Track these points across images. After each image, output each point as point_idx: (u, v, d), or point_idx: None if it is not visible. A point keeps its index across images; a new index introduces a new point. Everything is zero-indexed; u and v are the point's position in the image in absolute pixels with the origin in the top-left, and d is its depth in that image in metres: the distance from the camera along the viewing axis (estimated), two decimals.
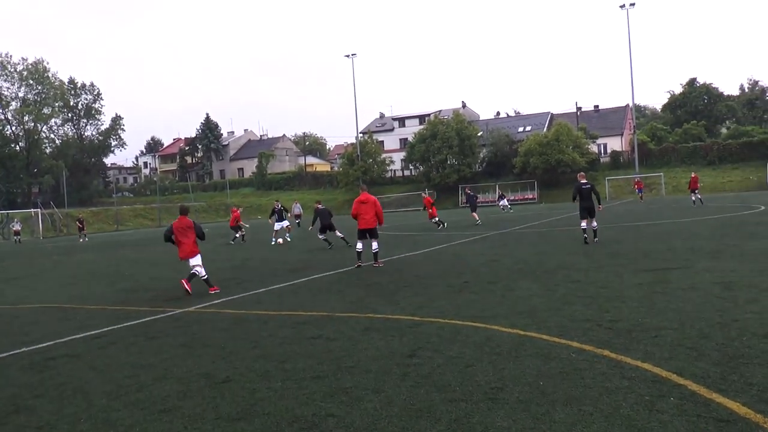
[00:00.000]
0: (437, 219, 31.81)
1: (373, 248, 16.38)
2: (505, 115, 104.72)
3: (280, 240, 27.83)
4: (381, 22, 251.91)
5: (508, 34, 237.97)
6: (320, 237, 23.50)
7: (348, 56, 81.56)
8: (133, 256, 26.83)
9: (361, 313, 9.86)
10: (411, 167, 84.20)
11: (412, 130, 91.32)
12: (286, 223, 28.66)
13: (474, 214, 34.26)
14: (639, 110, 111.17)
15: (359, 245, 16.38)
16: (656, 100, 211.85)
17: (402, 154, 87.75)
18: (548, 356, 6.68)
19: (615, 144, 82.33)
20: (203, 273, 13.34)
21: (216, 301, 11.99)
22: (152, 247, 31.46)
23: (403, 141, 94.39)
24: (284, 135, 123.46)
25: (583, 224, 18.57)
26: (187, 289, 12.94)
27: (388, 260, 17.43)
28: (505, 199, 52.70)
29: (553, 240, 20.63)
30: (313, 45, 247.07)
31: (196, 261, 13.31)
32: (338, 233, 23.41)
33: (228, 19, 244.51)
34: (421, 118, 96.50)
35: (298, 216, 42.75)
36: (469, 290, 11.33)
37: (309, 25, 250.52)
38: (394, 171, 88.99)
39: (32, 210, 70.23)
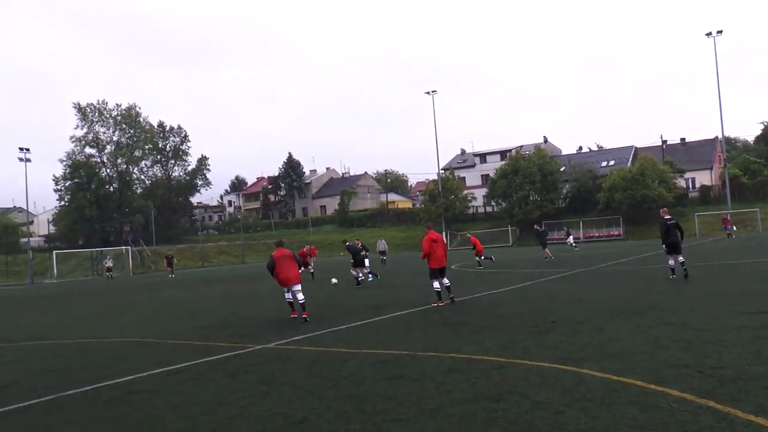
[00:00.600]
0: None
1: (446, 283, 16.15)
2: (588, 150, 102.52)
3: (361, 276, 26.54)
4: (462, 58, 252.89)
5: (589, 67, 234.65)
6: (353, 273, 24.95)
7: (429, 93, 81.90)
8: (216, 292, 27.24)
9: (443, 352, 9.51)
10: (493, 203, 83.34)
11: (493, 165, 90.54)
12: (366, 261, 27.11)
13: (546, 250, 35.21)
14: (729, 143, 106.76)
15: (436, 284, 16.04)
16: (748, 132, 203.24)
17: (484, 191, 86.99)
18: (645, 405, 6.16)
19: (704, 178, 79.14)
20: (302, 298, 14.56)
21: (296, 338, 11.87)
22: (235, 283, 31.92)
23: (485, 177, 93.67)
24: (366, 172, 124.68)
25: (671, 261, 18.42)
26: (296, 317, 14.50)
27: (472, 298, 17.04)
28: (571, 237, 51.14)
29: (643, 278, 19.72)
30: (393, 82, 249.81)
31: (298, 287, 14.58)
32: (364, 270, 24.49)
33: (308, 60, 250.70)
34: (503, 154, 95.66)
35: (383, 252, 42.83)
36: (555, 330, 10.82)
37: (389, 63, 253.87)
38: (476, 207, 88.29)
39: (123, 247, 72.93)
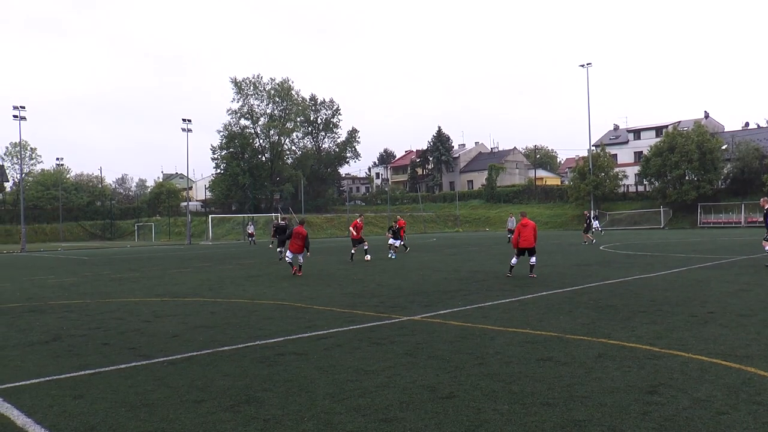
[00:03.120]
0: (401, 243, 31.81)
1: (531, 261, 18.18)
2: (755, 126, 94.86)
3: (368, 257, 27.46)
4: (617, 29, 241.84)
5: (760, 32, 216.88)
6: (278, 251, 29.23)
7: (583, 66, 78.85)
8: (362, 262, 27.86)
9: (593, 337, 9.18)
10: (645, 182, 79.48)
11: (647, 142, 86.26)
12: (397, 242, 30.31)
13: (588, 234, 37.49)
14: None
15: (514, 260, 18.52)
16: None
17: (636, 169, 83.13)
18: None
19: None
20: (289, 258, 20.91)
21: (442, 311, 11.90)
22: (379, 253, 32.47)
23: (638, 154, 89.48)
24: (515, 148, 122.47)
25: None
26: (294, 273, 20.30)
27: (622, 281, 16.40)
28: (597, 221, 52.07)
29: None
30: (545, 55, 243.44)
31: (298, 257, 20.66)
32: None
33: (460, 34, 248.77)
34: (658, 130, 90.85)
35: (511, 231, 41.50)
36: (715, 322, 10.16)
37: (541, 36, 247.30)
38: (627, 186, 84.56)
39: (273, 214, 76.15)
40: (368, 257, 27.45)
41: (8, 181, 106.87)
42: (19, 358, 8.88)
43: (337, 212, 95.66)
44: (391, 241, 30.08)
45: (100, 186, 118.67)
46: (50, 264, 32.71)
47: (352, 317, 11.59)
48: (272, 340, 9.52)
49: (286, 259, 21.20)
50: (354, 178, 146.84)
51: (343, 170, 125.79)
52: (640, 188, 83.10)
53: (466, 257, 28.04)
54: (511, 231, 41.50)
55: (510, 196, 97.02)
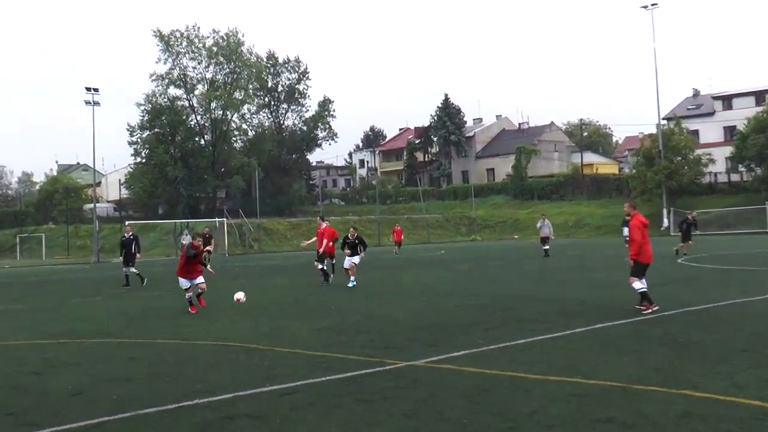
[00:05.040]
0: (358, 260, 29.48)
1: (642, 288, 16.38)
2: None
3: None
4: None
5: None
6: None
7: (646, 8, 79.04)
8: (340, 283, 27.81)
9: (672, 387, 9.15)
10: (742, 169, 79.65)
11: (743, 113, 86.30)
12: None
13: (683, 243, 36.07)
14: None
15: (639, 284, 16.33)
16: None
17: (727, 150, 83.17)
18: None
19: None
20: (185, 287, 20.03)
21: (455, 353, 11.86)
22: (370, 271, 32.42)
23: (729, 130, 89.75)
24: (552, 123, 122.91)
25: None
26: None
27: (712, 307, 16.39)
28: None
29: None
30: None
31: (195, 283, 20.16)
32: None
33: None
34: (759, 96, 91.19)
35: (545, 240, 41.22)
36: None
37: None
38: (715, 174, 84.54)
39: (217, 220, 76.13)
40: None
41: None
42: None
43: (307, 215, 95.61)
44: (347, 261, 27.49)
45: None
46: None
47: (328, 363, 11.52)
48: (217, 398, 9.45)
49: (186, 294, 20.49)
50: (329, 168, 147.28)
51: (314, 157, 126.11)
52: (734, 177, 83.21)
53: (486, 276, 28.18)
54: (545, 239, 41.38)
55: (547, 191, 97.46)
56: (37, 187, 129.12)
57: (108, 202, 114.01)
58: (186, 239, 58.93)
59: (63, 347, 14.44)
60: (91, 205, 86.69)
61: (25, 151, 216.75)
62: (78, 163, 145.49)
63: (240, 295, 19.40)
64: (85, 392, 10.20)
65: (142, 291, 28.10)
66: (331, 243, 28.40)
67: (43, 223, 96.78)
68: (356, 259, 27.16)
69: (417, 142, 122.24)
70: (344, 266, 27.07)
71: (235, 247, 72.51)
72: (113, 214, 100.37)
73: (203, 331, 15.97)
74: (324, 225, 28.78)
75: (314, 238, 29.84)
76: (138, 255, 31.87)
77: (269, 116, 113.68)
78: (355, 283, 26.00)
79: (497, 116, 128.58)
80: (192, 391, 9.85)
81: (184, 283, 20.02)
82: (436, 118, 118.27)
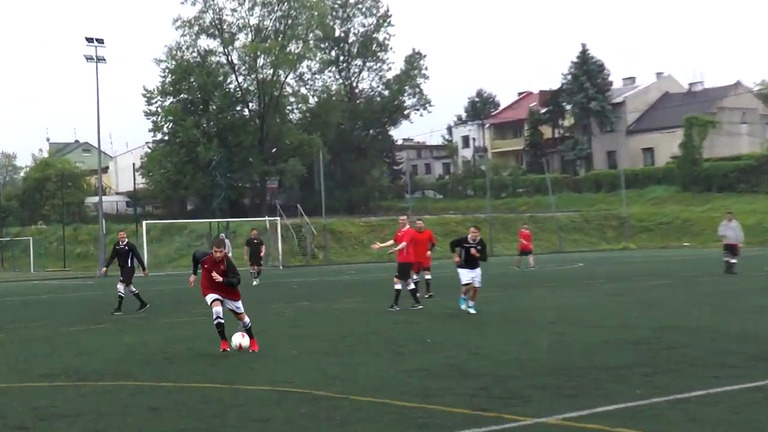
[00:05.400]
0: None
1: None
2: None
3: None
4: None
5: None
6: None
7: None
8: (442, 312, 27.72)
9: None
10: None
11: None
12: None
13: None
14: None
15: None
16: None
17: None
18: None
19: None
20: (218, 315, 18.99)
21: (602, 408, 11.66)
22: (479, 293, 32.25)
23: None
24: (738, 83, 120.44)
25: None
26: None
27: None
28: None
29: None
30: None
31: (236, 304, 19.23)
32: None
33: None
34: None
35: (732, 249, 39.92)
36: None
37: None
38: None
39: (267, 218, 76.37)
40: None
41: None
42: None
43: (390, 212, 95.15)
44: (466, 274, 26.27)
45: None
46: None
47: (424, 419, 11.40)
48: None
49: (216, 319, 19.26)
50: (420, 147, 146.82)
51: (400, 132, 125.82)
52: None
53: (644, 300, 27.94)
54: (731, 248, 40.14)
55: (731, 179, 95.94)
56: (22, 173, 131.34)
57: (118, 194, 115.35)
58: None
59: (59, 392, 14.51)
60: (96, 199, 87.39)
61: (6, 124, 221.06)
62: (77, 141, 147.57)
63: (242, 341, 18.25)
64: None
65: (163, 317, 28.37)
66: (428, 252, 28.33)
67: (30, 223, 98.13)
68: (479, 276, 26.03)
69: (543, 111, 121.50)
70: (463, 282, 26.08)
71: (291, 256, 72.98)
72: (126, 211, 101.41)
73: (250, 371, 16.06)
74: (407, 226, 28.61)
75: (390, 242, 29.83)
76: (144, 272, 32.17)
77: (337, 77, 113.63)
78: (472, 312, 25.50)
79: (657, 74, 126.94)
80: None
81: (209, 297, 19.30)
82: (569, 78, 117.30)
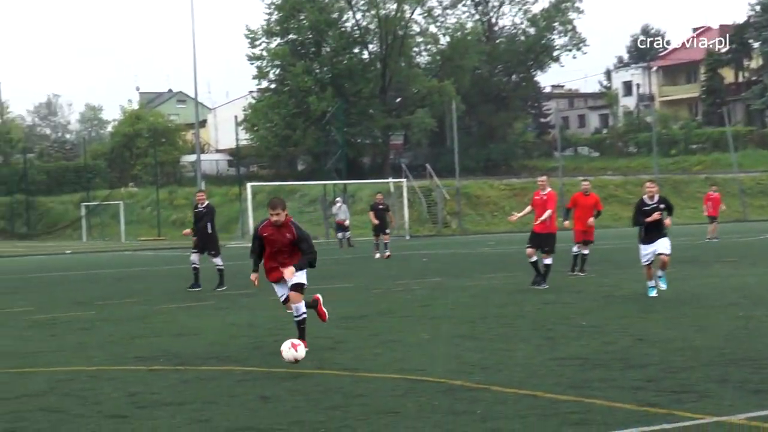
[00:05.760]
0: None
1: None
2: None
3: None
4: None
5: None
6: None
7: None
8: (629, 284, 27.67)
9: None
10: None
11: None
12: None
13: None
14: None
15: None
16: None
17: None
18: None
19: None
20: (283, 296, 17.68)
21: None
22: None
23: None
24: None
25: None
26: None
27: None
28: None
29: None
30: None
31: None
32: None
33: None
34: None
35: None
36: None
37: None
38: None
39: (390, 181, 76.39)
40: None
41: None
42: None
43: (536, 173, 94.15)
44: (647, 250, 25.71)
45: (0, 120, 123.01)
46: None
47: (581, 413, 11.36)
48: None
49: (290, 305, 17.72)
50: (573, 96, 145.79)
51: (548, 78, 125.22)
52: None
53: None
54: None
55: None
56: (109, 128, 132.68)
57: (218, 151, 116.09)
58: (341, 210, 59.90)
59: (158, 378, 14.85)
60: (193, 158, 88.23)
61: (91, 73, 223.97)
62: (170, 91, 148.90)
63: (296, 354, 15.43)
64: None
65: (272, 294, 28.50)
66: (591, 219, 28.24)
67: (119, 185, 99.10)
68: (668, 245, 24.80)
69: (724, 51, 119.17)
70: (643, 262, 25.25)
71: (419, 225, 73.00)
72: (227, 172, 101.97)
73: (375, 357, 16.27)
74: (548, 189, 28.30)
75: (528, 209, 29.61)
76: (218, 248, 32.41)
77: (473, 12, 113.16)
78: (662, 287, 24.82)
79: None
80: None
81: (276, 289, 17.97)
82: (758, 9, 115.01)
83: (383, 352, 16.62)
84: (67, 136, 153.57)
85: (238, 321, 21.91)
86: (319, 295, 18.07)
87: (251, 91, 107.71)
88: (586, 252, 30.26)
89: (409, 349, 17.00)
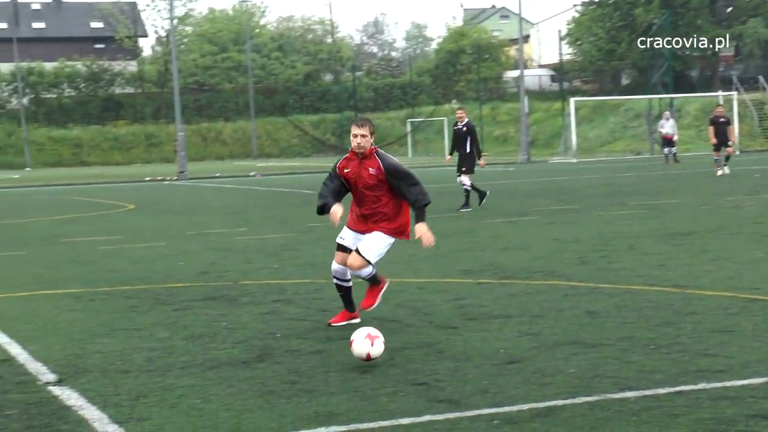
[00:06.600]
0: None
1: None
2: None
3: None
4: None
5: None
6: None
7: None
8: None
9: None
10: None
11: None
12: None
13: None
14: None
15: None
16: None
17: None
18: None
19: None
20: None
21: None
22: None
23: None
24: None
25: None
26: None
27: None
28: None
29: None
30: None
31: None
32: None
33: None
34: None
35: None
36: None
37: None
38: None
39: (720, 94, 75.04)
40: None
41: (147, 36, 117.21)
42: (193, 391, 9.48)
43: None
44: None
45: (331, 40, 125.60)
46: (235, 202, 35.49)
47: None
48: (738, 383, 9.26)
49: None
50: None
51: None
52: None
53: None
54: None
55: None
56: (434, 45, 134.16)
57: (541, 66, 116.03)
58: (668, 124, 58.97)
59: (486, 291, 15.15)
60: (516, 73, 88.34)
61: None
62: (493, 7, 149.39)
63: (370, 350, 11.11)
64: (522, 361, 10.45)
65: (597, 209, 28.59)
66: None
67: (443, 101, 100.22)
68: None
69: None
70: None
71: (750, 139, 71.54)
72: (550, 87, 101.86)
73: (705, 274, 16.08)
74: None
75: None
76: (481, 162, 32.19)
77: None
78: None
79: None
80: (693, 370, 9.77)
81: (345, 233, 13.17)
82: None
83: (714, 270, 16.43)
84: (393, 53, 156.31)
85: (563, 236, 21.99)
86: (387, 280, 13.25)
87: (575, 5, 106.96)
88: None
89: (742, 266, 16.74)
